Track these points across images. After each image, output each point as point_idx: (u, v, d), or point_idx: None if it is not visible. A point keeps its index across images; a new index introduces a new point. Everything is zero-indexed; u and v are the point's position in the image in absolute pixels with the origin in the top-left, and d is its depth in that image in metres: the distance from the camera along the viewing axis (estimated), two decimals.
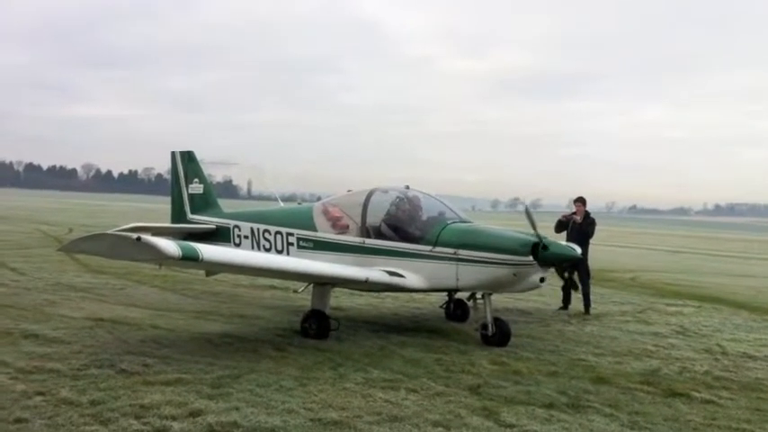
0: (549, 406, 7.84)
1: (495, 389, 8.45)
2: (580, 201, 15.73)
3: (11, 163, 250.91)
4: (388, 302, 15.06)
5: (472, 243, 10.87)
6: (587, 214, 15.65)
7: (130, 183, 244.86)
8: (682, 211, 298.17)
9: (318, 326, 10.95)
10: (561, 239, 13.71)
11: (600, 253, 36.89)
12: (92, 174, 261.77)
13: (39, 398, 7.21)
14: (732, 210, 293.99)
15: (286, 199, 16.06)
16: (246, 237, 13.85)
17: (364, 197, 12.16)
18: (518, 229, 11.63)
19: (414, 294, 15.96)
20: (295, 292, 13.46)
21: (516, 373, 9.31)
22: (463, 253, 10.83)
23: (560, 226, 15.63)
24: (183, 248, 8.85)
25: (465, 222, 11.75)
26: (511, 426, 7.06)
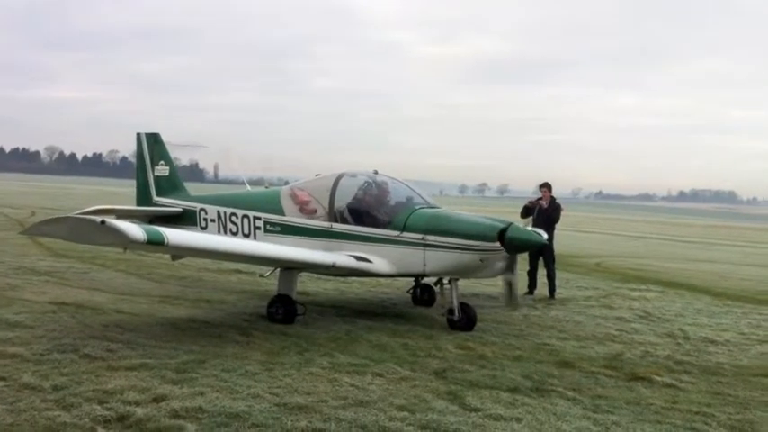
0: (514, 390, 7.90)
1: (460, 373, 8.50)
2: (546, 186, 15.86)
3: None
4: (354, 287, 15.05)
5: (440, 229, 10.89)
6: (553, 200, 15.80)
7: (95, 166, 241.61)
8: (646, 197, 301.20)
9: (285, 311, 10.93)
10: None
11: (566, 238, 37.18)
12: (55, 156, 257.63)
13: (0, 383, 7.12)
14: (696, 196, 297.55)
15: (253, 183, 15.93)
16: (213, 220, 13.73)
17: (332, 181, 12.10)
18: (485, 215, 11.69)
19: (381, 279, 15.99)
20: (261, 276, 13.39)
21: (481, 357, 9.37)
22: (431, 238, 10.85)
23: (526, 211, 15.74)
24: (148, 232, 8.75)
25: (433, 208, 11.77)
26: (476, 409, 7.10)
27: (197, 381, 7.52)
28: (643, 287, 18.06)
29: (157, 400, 6.81)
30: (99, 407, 6.53)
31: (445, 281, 11.79)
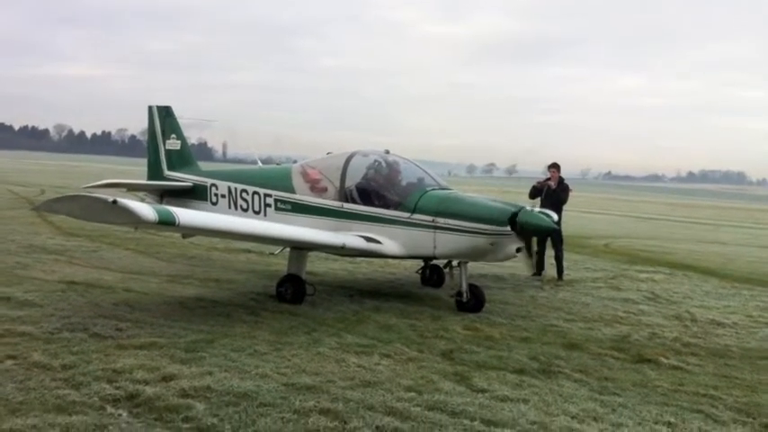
0: (521, 371, 7.93)
1: (467, 354, 8.53)
2: (554, 167, 15.79)
3: None
4: (363, 267, 15.08)
5: (451, 211, 10.86)
6: (561, 180, 15.74)
7: (103, 144, 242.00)
8: (655, 177, 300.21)
9: (294, 290, 10.95)
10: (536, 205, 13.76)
11: (574, 219, 37.13)
12: (64, 134, 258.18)
13: (10, 361, 7.17)
14: (705, 177, 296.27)
15: (262, 161, 15.90)
16: (224, 196, 13.73)
17: (344, 160, 12.06)
18: (494, 197, 11.67)
19: (389, 260, 16.03)
20: (271, 254, 13.43)
21: (489, 338, 9.39)
22: (441, 221, 10.83)
23: (535, 192, 15.70)
24: (159, 212, 8.76)
25: (444, 190, 11.73)
26: (482, 390, 7.13)
27: (205, 360, 7.56)
28: (651, 269, 18.04)
29: (166, 379, 6.85)
30: (108, 386, 6.58)
31: (454, 263, 11.79)
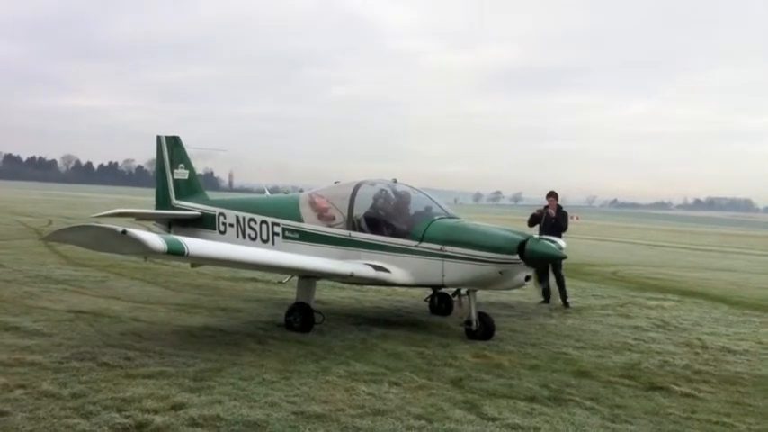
0: (531, 399, 7.88)
1: (477, 382, 8.49)
2: (552, 195, 15.95)
3: None
4: (370, 295, 15.06)
5: (459, 240, 10.85)
6: (559, 208, 15.86)
7: (111, 174, 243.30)
8: (662, 205, 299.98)
9: (303, 319, 10.93)
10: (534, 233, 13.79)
11: (581, 246, 37.11)
12: (72, 165, 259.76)
13: (20, 391, 7.15)
14: (712, 204, 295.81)
15: (268, 190, 15.97)
16: (232, 225, 13.76)
17: (351, 189, 12.11)
18: (502, 225, 11.68)
19: (397, 288, 16.01)
20: (280, 282, 13.42)
21: (498, 366, 9.35)
22: (449, 249, 10.82)
23: (534, 220, 15.85)
24: (168, 242, 8.79)
25: (452, 218, 11.73)
26: (493, 419, 7.09)
27: (214, 389, 7.54)
28: (660, 296, 17.96)
29: (175, 408, 6.83)
30: (118, 415, 6.56)
31: (463, 291, 11.76)
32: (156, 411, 6.69)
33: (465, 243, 10.82)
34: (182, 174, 15.54)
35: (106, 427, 6.26)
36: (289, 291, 15.06)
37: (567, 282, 15.85)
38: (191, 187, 15.52)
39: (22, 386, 7.30)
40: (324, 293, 14.75)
